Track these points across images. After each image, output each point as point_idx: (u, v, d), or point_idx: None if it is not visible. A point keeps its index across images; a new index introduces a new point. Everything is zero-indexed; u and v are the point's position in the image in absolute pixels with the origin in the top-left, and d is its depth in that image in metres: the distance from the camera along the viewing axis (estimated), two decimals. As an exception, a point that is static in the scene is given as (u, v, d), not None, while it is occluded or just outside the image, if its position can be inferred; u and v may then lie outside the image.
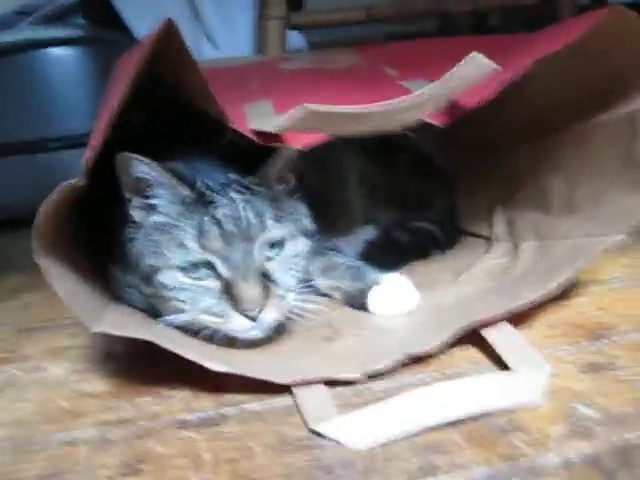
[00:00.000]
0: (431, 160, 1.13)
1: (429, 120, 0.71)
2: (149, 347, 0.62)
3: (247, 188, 0.71)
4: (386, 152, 1.08)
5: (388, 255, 0.93)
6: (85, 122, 1.27)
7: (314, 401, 0.60)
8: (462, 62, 0.66)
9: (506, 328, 0.69)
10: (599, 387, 0.61)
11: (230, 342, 0.69)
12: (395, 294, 0.79)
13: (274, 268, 0.71)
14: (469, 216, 1.09)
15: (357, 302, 0.81)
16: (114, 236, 0.74)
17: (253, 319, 0.67)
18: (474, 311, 0.71)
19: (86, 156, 0.63)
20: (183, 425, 0.61)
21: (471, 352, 0.70)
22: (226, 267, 0.68)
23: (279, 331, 0.73)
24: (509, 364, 0.64)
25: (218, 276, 0.68)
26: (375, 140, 1.10)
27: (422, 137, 1.06)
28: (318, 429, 0.57)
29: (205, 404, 0.64)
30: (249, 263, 0.68)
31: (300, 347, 0.72)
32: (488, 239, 1.01)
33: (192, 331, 0.70)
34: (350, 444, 0.55)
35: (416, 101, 0.67)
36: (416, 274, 0.87)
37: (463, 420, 0.57)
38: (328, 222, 0.92)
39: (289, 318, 0.72)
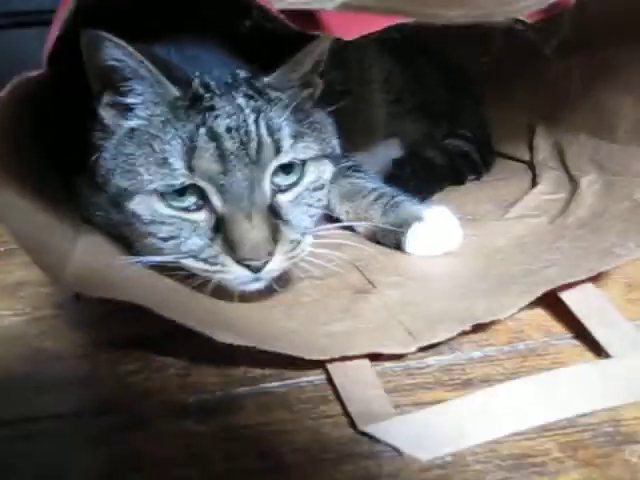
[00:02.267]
0: (460, 68, 0.95)
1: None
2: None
3: (260, 92, 0.52)
4: (413, 55, 0.91)
5: (419, 178, 0.77)
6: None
7: (357, 386, 0.46)
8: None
9: (588, 290, 0.55)
10: None
11: (220, 292, 0.53)
12: (441, 234, 0.63)
13: (287, 203, 0.54)
14: (504, 134, 0.93)
15: (389, 239, 0.65)
16: (83, 143, 0.55)
17: (256, 270, 0.50)
18: (544, 263, 0.58)
19: (47, 43, 0.45)
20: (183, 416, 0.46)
21: (539, 315, 0.56)
22: (222, 198, 0.50)
23: (284, 281, 0.56)
24: (599, 340, 0.50)
25: (210, 209, 0.51)
26: (401, 41, 0.92)
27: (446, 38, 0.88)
28: (368, 431, 0.42)
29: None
30: (255, 196, 0.50)
31: (326, 303, 0.56)
32: (529, 164, 0.85)
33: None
34: (412, 452, 0.41)
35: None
36: (453, 205, 0.70)
37: (557, 424, 0.43)
38: (346, 134, 0.75)
39: (301, 267, 0.56)
